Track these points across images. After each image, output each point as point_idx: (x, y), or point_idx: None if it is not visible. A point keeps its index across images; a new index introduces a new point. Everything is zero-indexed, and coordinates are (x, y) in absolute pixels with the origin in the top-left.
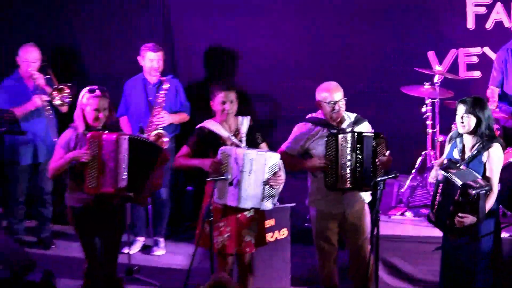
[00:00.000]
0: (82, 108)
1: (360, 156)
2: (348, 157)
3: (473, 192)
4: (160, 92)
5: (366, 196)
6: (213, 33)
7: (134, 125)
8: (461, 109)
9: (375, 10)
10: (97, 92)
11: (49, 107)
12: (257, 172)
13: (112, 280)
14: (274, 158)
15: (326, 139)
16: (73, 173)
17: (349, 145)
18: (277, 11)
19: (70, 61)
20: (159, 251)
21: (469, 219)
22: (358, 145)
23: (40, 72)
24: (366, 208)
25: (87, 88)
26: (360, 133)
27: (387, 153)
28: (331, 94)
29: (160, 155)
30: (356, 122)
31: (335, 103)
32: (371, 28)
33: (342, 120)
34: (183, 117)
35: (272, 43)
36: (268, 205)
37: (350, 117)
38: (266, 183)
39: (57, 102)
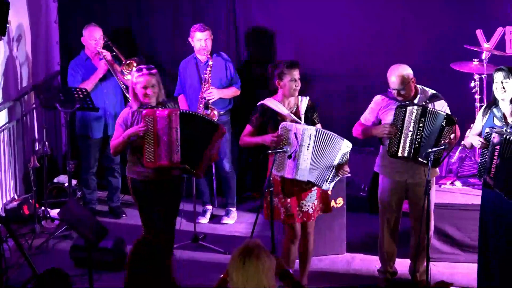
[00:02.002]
0: (133, 87)
1: (421, 129)
2: (411, 128)
3: None
4: (207, 69)
5: (433, 172)
6: (271, 18)
7: (191, 102)
8: (499, 76)
9: None
10: (144, 70)
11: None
12: (323, 151)
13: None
14: (347, 146)
15: (395, 109)
16: (133, 148)
17: (413, 117)
18: None
19: (138, 43)
20: (229, 220)
21: None
22: (422, 118)
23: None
24: (432, 182)
25: (135, 68)
26: (425, 107)
27: (452, 136)
28: (389, 77)
29: (216, 130)
30: (430, 99)
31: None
32: (422, 8)
33: (416, 95)
34: (234, 91)
35: (324, 24)
36: (329, 186)
37: (426, 92)
38: (335, 168)
39: (128, 77)
